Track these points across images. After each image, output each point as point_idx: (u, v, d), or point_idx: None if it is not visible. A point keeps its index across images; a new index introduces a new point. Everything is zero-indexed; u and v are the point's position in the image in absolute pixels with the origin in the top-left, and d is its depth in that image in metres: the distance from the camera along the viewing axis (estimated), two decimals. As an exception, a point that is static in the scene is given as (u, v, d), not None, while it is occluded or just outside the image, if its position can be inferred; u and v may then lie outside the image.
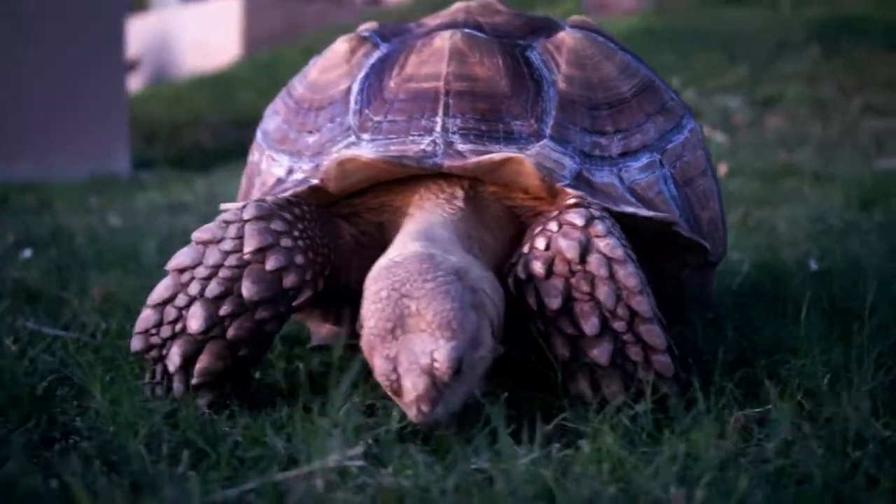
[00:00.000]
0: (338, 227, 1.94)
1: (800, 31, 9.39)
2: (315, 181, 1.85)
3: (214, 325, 1.76)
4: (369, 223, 1.96)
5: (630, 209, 1.81)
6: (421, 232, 1.75)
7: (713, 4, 11.78)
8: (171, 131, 9.87)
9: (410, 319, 1.53)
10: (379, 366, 1.54)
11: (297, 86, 2.16)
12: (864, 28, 9.06)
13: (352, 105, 1.98)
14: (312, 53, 2.26)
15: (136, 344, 1.84)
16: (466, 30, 1.99)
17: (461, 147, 1.82)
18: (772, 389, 1.70)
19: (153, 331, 1.81)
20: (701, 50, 9.55)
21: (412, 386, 1.50)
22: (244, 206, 1.82)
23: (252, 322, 1.77)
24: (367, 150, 1.86)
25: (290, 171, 2.01)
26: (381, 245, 1.91)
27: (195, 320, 1.75)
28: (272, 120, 2.17)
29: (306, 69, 2.18)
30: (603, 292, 1.66)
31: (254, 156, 2.19)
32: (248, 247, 1.76)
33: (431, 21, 2.16)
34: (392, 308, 1.54)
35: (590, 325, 1.66)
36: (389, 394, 1.58)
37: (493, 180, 1.84)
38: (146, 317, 1.82)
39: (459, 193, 1.86)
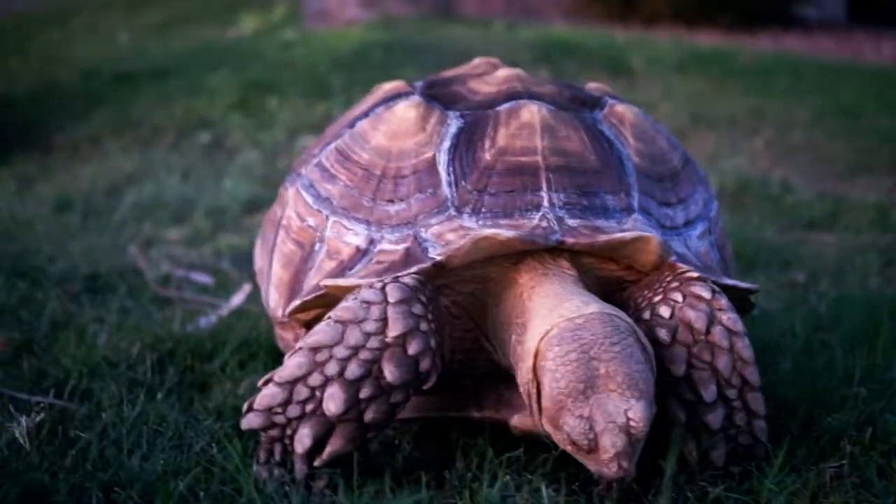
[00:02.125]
0: (437, 302, 1.95)
1: (526, 52, 10.07)
2: (440, 258, 1.86)
3: (352, 407, 1.74)
4: (459, 294, 1.98)
5: (730, 281, 2.00)
6: (569, 292, 1.83)
7: (433, 21, 12.28)
8: None
9: (600, 381, 1.62)
10: (572, 425, 1.61)
11: (358, 150, 2.12)
12: (584, 51, 9.90)
13: (443, 176, 2.00)
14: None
15: (256, 421, 1.79)
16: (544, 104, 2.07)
17: (571, 223, 1.91)
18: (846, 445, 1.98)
19: (278, 409, 1.76)
20: (439, 65, 9.93)
21: (611, 444, 1.58)
22: (384, 287, 1.80)
23: (388, 405, 1.77)
24: (481, 225, 1.89)
25: (373, 242, 1.98)
26: (469, 315, 1.96)
27: (334, 402, 1.73)
28: (330, 184, 2.11)
29: (360, 131, 2.14)
30: (722, 363, 1.83)
31: (307, 219, 2.11)
32: (394, 331, 1.75)
33: (481, 86, 2.20)
34: (584, 370, 1.63)
35: (709, 393, 1.83)
36: (575, 452, 1.66)
37: (614, 256, 1.95)
38: (272, 394, 1.77)
39: (565, 264, 1.94)
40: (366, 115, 2.20)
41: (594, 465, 1.64)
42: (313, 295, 1.96)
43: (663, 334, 1.84)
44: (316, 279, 2.02)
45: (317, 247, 2.08)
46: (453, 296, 1.97)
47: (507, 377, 1.96)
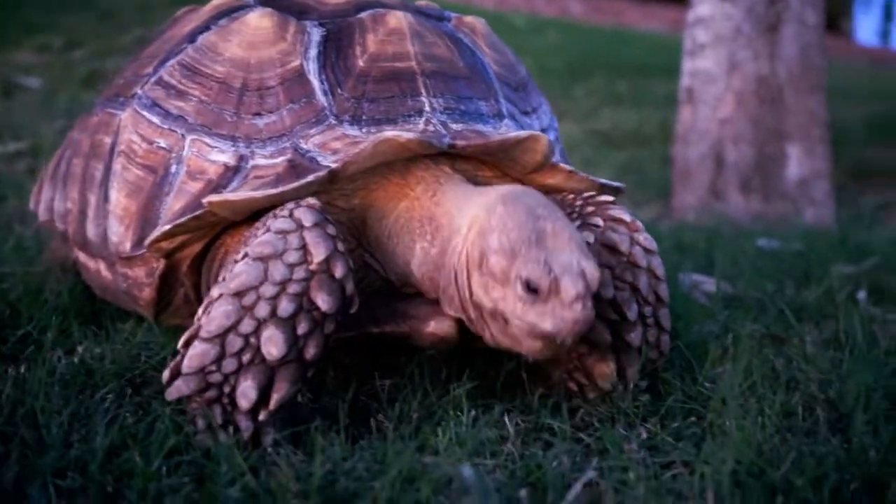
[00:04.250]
0: None
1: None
2: (336, 165, 1.74)
3: (292, 346, 1.59)
4: (340, 210, 1.87)
5: (604, 181, 2.04)
6: (475, 188, 1.81)
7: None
8: None
9: (548, 237, 1.58)
10: (531, 269, 1.53)
11: (209, 63, 1.93)
12: None
13: (316, 84, 1.88)
14: None
15: (187, 386, 1.58)
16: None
17: (455, 127, 1.87)
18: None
19: (212, 367, 1.57)
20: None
21: (572, 284, 1.52)
22: (292, 213, 1.66)
23: (323, 337, 1.63)
24: (365, 133, 1.81)
25: (242, 158, 1.82)
26: (350, 232, 1.87)
27: (274, 345, 1.56)
28: (181, 101, 1.91)
29: (207, 44, 1.96)
30: (642, 282, 1.85)
31: (157, 141, 1.90)
32: (318, 257, 1.61)
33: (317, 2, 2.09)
34: (532, 222, 1.59)
35: (632, 312, 1.83)
36: (520, 313, 1.56)
37: (500, 158, 1.92)
38: (202, 351, 1.57)
39: (448, 170, 1.90)
40: (207, 27, 2.02)
41: (548, 317, 1.53)
42: (189, 216, 1.77)
43: None
44: (180, 203, 1.82)
45: (173, 168, 1.87)
46: (335, 213, 1.85)
47: (396, 293, 1.90)
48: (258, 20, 1.95)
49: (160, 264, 1.88)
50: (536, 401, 1.85)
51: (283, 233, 1.63)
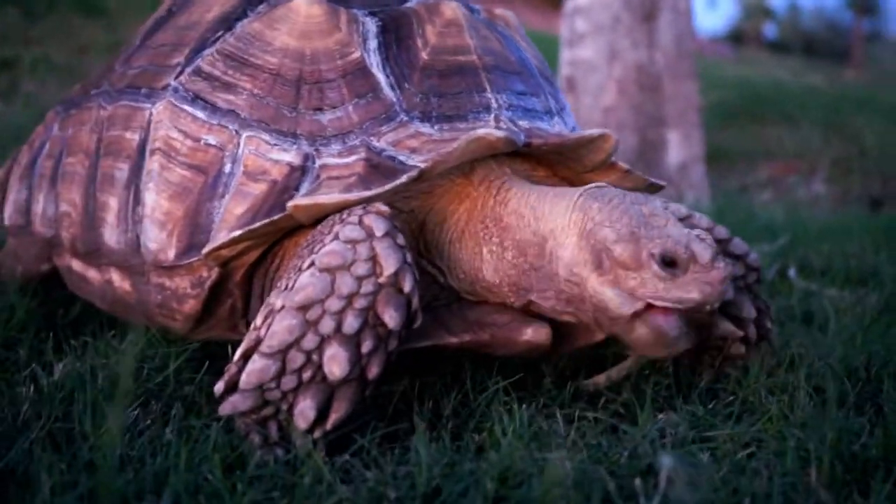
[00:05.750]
0: None
1: None
2: (426, 165, 1.64)
3: (355, 365, 1.49)
4: (400, 212, 1.76)
5: (654, 179, 2.02)
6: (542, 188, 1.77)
7: None
8: None
9: (654, 218, 1.58)
10: (660, 244, 1.52)
11: (258, 52, 1.78)
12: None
13: (381, 79, 1.77)
14: None
15: (244, 402, 1.47)
16: None
17: (523, 124, 1.81)
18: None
19: (271, 383, 1.46)
20: None
21: (704, 248, 1.52)
22: (361, 219, 1.55)
23: (386, 355, 1.54)
24: (438, 130, 1.73)
25: (307, 157, 1.69)
26: (411, 237, 1.78)
27: (338, 364, 1.46)
28: (230, 94, 1.75)
29: (251, 32, 1.80)
30: (751, 278, 1.94)
31: (205, 138, 1.73)
32: (389, 269, 1.51)
33: None
34: (632, 208, 1.59)
35: (747, 310, 1.88)
36: (658, 293, 1.53)
37: (569, 156, 1.87)
38: (262, 367, 1.45)
39: (508, 170, 1.84)
40: (244, 14, 1.86)
41: (693, 286, 1.51)
42: (264, 221, 1.62)
43: None
44: (242, 206, 1.67)
45: (227, 168, 1.71)
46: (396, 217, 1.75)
47: (457, 301, 1.83)
48: (308, 8, 1.81)
49: (213, 273, 1.72)
50: (569, 394, 1.84)
51: (353, 242, 1.52)
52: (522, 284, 1.72)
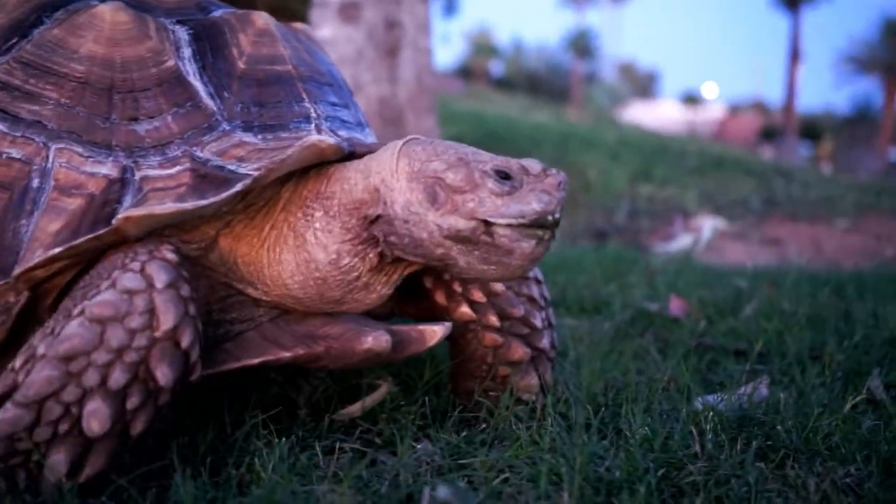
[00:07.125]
0: (190, 259, 1.67)
1: None
2: (258, 173, 1.59)
3: (117, 421, 1.43)
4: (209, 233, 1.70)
5: None
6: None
7: None
8: None
9: (469, 155, 1.61)
10: (491, 161, 1.56)
11: (61, 60, 1.66)
12: None
13: (199, 87, 1.72)
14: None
15: None
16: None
17: (343, 134, 1.82)
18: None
19: (21, 434, 1.38)
20: None
21: (534, 162, 1.57)
22: (144, 268, 1.49)
23: (155, 410, 1.48)
24: (262, 139, 1.70)
25: (127, 169, 1.61)
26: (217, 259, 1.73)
27: (97, 421, 1.39)
28: (34, 104, 1.63)
29: (52, 39, 1.68)
30: (534, 290, 1.97)
31: (8, 151, 1.59)
32: (166, 324, 1.45)
33: None
34: (451, 144, 1.64)
35: (538, 320, 1.92)
36: (498, 189, 1.54)
37: None
38: (14, 418, 1.38)
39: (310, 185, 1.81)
40: (39, 21, 1.74)
41: (532, 197, 1.52)
42: (88, 236, 1.52)
43: None
44: (56, 223, 1.55)
45: (35, 183, 1.59)
46: (194, 243, 1.69)
47: (282, 315, 1.79)
48: (113, 14, 1.72)
49: (21, 298, 1.58)
50: (325, 425, 1.82)
51: (130, 293, 1.45)
52: (364, 237, 1.66)
